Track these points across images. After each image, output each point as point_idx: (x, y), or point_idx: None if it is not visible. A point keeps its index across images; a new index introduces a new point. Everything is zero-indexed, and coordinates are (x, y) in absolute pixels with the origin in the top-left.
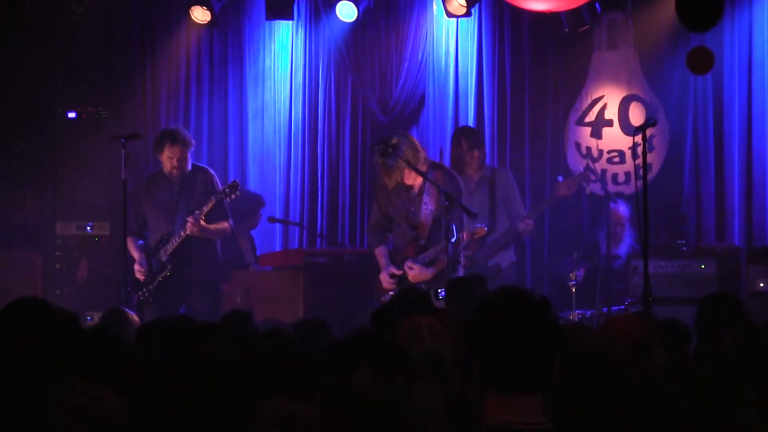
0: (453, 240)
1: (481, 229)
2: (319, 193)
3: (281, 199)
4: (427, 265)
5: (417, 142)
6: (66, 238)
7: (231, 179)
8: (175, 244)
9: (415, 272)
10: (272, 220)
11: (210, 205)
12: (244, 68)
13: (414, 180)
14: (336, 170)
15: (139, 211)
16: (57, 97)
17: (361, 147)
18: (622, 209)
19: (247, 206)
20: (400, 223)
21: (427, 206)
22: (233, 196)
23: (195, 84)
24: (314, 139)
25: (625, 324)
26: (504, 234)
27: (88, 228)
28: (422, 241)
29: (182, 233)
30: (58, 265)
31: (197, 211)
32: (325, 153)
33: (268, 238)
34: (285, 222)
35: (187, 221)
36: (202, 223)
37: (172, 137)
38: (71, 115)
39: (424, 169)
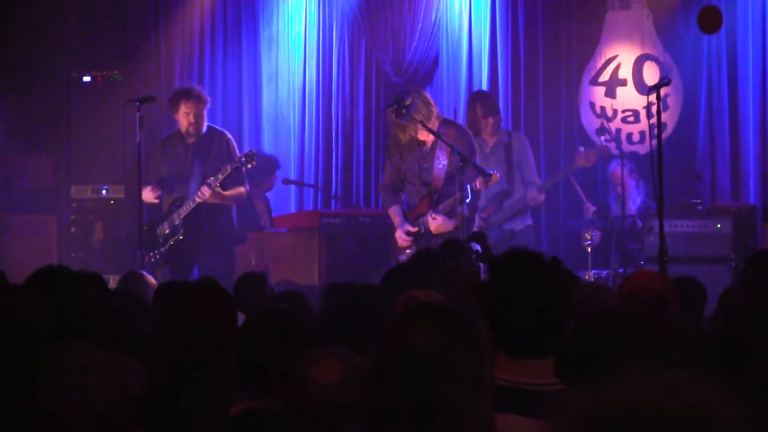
0: (468, 200)
1: (494, 175)
2: (334, 154)
3: (296, 160)
4: (447, 216)
5: (429, 98)
6: (81, 201)
7: (245, 142)
8: (189, 209)
9: (438, 222)
10: (287, 182)
11: (226, 172)
12: (258, 31)
13: (427, 136)
14: (350, 132)
15: (153, 172)
16: (72, 61)
17: (375, 109)
18: (616, 168)
19: (262, 169)
20: (413, 180)
21: (440, 161)
22: (249, 166)
23: (209, 47)
24: (328, 101)
25: (644, 279)
26: (520, 200)
27: (103, 191)
28: (435, 196)
29: (196, 198)
30: (73, 229)
31: (212, 178)
32: (339, 115)
33: (283, 199)
34: (300, 184)
35: (201, 188)
36: (217, 189)
37: (187, 93)
38: (86, 78)
39: (436, 125)
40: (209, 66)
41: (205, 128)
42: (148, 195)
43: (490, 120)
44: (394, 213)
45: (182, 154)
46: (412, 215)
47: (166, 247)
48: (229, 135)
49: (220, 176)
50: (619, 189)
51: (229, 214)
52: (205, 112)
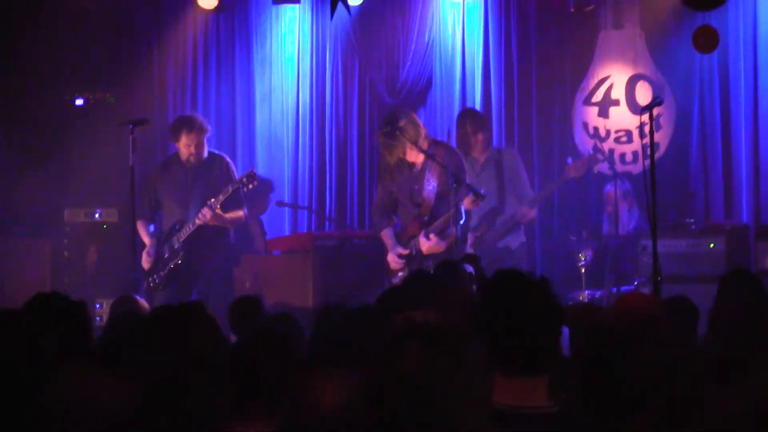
0: (462, 221)
1: (484, 196)
2: (327, 176)
3: (290, 182)
4: (440, 236)
5: (417, 119)
6: (74, 225)
7: (239, 163)
8: (189, 232)
9: (430, 243)
10: (281, 204)
11: (227, 193)
12: (251, 52)
13: (416, 157)
14: (344, 153)
15: (152, 195)
16: (64, 84)
17: (369, 130)
18: (609, 189)
19: (255, 191)
20: (405, 202)
21: (430, 182)
22: (250, 186)
23: (202, 69)
24: (322, 122)
25: (635, 300)
26: (513, 216)
27: (97, 215)
28: (426, 218)
29: (196, 221)
30: (66, 253)
31: (213, 200)
32: (333, 136)
33: (277, 222)
34: (293, 206)
35: (202, 210)
36: (218, 211)
37: (189, 124)
38: (79, 101)
39: (425, 146)
40: (202, 87)
41: (206, 154)
42: (144, 258)
43: (480, 136)
44: (386, 236)
45: (182, 178)
46: (404, 237)
47: (166, 271)
48: (228, 159)
49: (221, 197)
50: (610, 209)
51: (228, 237)
52: (205, 141)
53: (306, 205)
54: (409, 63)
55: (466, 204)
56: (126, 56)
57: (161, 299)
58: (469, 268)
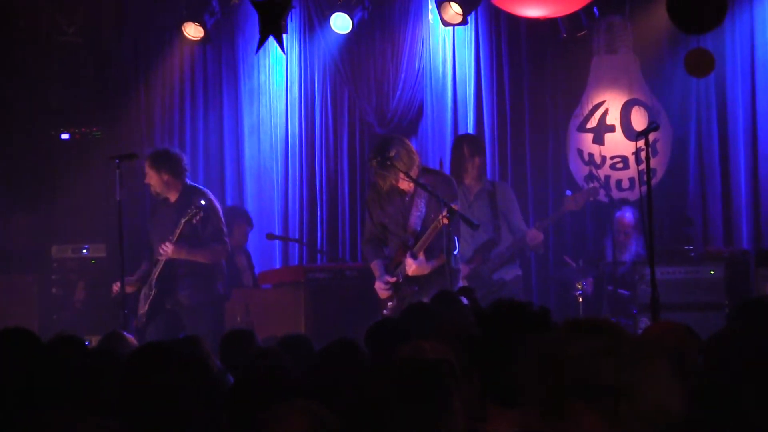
0: (456, 252)
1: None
2: (318, 208)
3: (280, 215)
4: (427, 258)
5: (411, 147)
6: (62, 261)
7: (229, 196)
8: (159, 268)
9: (415, 266)
10: (271, 237)
11: (179, 226)
12: (239, 84)
13: (408, 185)
14: (334, 185)
15: (146, 236)
16: (50, 119)
17: (360, 160)
18: (628, 216)
19: (229, 222)
20: (397, 231)
21: (418, 208)
22: (195, 219)
23: (189, 101)
24: (312, 153)
25: (658, 331)
26: (509, 248)
27: (84, 251)
28: (411, 242)
29: (158, 257)
30: (54, 289)
31: (170, 235)
32: (323, 167)
33: (267, 255)
34: (284, 239)
35: (161, 245)
36: (175, 245)
37: (147, 158)
38: (65, 136)
39: (416, 174)
40: (190, 120)
41: (179, 187)
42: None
43: (477, 160)
44: (376, 266)
45: (166, 216)
46: (392, 265)
47: (146, 308)
48: (204, 190)
49: (176, 231)
50: (622, 237)
51: (209, 271)
52: (162, 174)
53: (297, 237)
54: (399, 92)
55: (443, 220)
56: (112, 89)
57: (151, 336)
58: (464, 301)
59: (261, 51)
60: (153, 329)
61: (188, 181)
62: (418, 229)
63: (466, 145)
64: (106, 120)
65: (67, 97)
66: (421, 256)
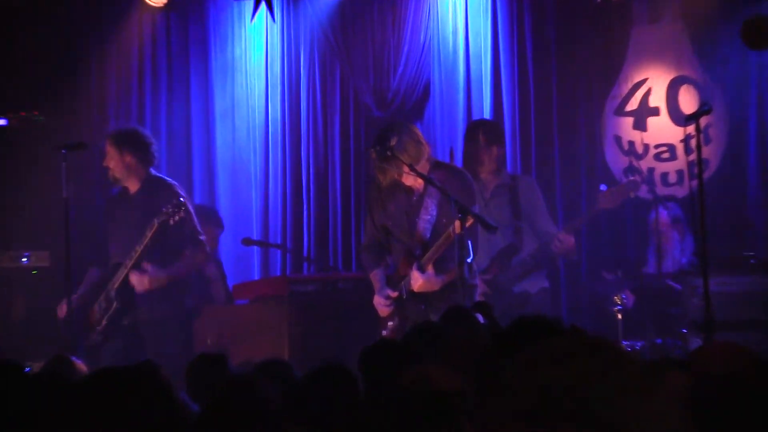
0: (470, 260)
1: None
2: (305, 207)
3: (258, 216)
4: (437, 271)
5: (420, 135)
6: None
7: (197, 194)
8: (120, 277)
9: (422, 280)
10: (248, 242)
11: (152, 228)
12: (210, 58)
13: (414, 180)
14: (324, 179)
15: (106, 239)
16: None
17: (354, 151)
18: (664, 214)
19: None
20: (401, 236)
21: (428, 211)
22: (173, 220)
23: (150, 80)
24: (297, 141)
25: (717, 354)
26: (533, 254)
27: (24, 259)
28: (417, 252)
29: (127, 263)
30: None
31: (137, 247)
32: (311, 159)
33: (243, 264)
34: (263, 244)
35: (129, 274)
36: (146, 277)
37: (110, 135)
38: (1, 121)
39: (426, 168)
40: (150, 102)
41: (142, 175)
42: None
43: (495, 150)
44: (375, 278)
45: (125, 211)
46: (395, 278)
47: (103, 324)
48: (170, 182)
49: (148, 234)
50: (659, 239)
51: (175, 282)
52: (125, 155)
53: (279, 242)
54: (401, 68)
55: (457, 227)
56: (58, 66)
57: (107, 360)
58: (480, 319)
59: (236, 19)
60: (109, 351)
61: (153, 172)
62: (428, 236)
63: (481, 132)
64: (51, 102)
65: (4, 75)
66: (430, 270)
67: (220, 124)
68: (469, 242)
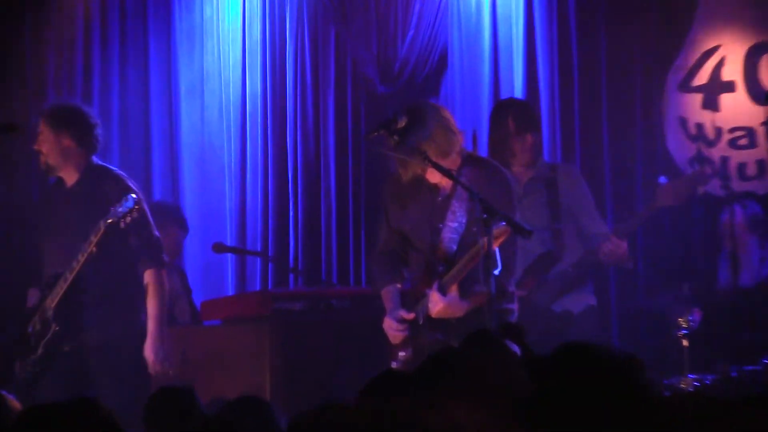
0: (497, 272)
1: (505, 228)
2: (291, 206)
3: (233, 215)
4: (462, 294)
5: (451, 120)
6: None
7: (157, 187)
8: (59, 293)
9: (442, 304)
10: (220, 248)
11: (98, 233)
12: (173, 21)
13: (441, 176)
14: (315, 171)
15: (38, 243)
16: None
17: (353, 135)
18: (739, 213)
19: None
20: (419, 246)
21: (456, 217)
22: (124, 223)
23: (99, 47)
24: (281, 125)
25: None
26: (577, 264)
27: None
28: (440, 268)
29: (67, 275)
30: None
31: (80, 255)
32: (299, 145)
33: (214, 275)
34: (239, 251)
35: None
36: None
37: (44, 113)
38: None
39: (457, 163)
40: (99, 74)
41: (84, 164)
42: None
43: (529, 138)
44: (387, 295)
45: (62, 209)
46: (411, 298)
47: (40, 351)
48: (118, 173)
49: (92, 238)
50: (732, 246)
51: (127, 297)
52: (62, 137)
53: (259, 249)
54: (412, 32)
55: (496, 238)
56: None
57: (44, 395)
58: (511, 345)
59: None
60: (49, 384)
61: (96, 160)
62: (453, 248)
63: (512, 115)
64: None
65: None
66: (454, 292)
67: (186, 102)
68: (497, 251)
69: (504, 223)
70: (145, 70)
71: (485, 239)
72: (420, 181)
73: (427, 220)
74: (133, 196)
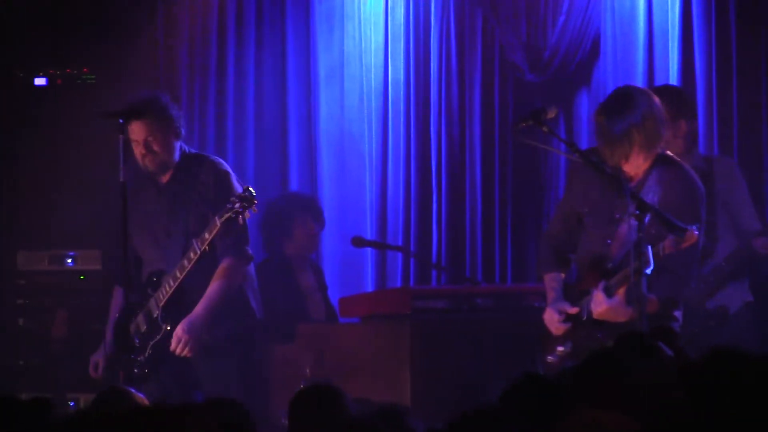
0: (648, 270)
1: (691, 234)
2: (434, 198)
3: (373, 208)
4: (628, 299)
5: (661, 108)
6: (33, 276)
7: (293, 177)
8: (169, 292)
9: (606, 305)
10: (359, 242)
11: (214, 229)
12: (312, 2)
13: (637, 169)
14: (460, 162)
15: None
16: (17, 55)
17: (500, 125)
18: None
19: (286, 216)
20: (597, 235)
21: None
22: (247, 215)
23: (233, 32)
24: (425, 112)
25: None
26: (729, 258)
27: (69, 260)
28: (610, 264)
29: (177, 274)
30: (21, 321)
31: (197, 241)
32: (443, 135)
33: (352, 271)
34: (379, 245)
35: (182, 260)
36: (185, 335)
37: (137, 109)
38: (39, 81)
39: (651, 158)
40: (233, 60)
41: (176, 156)
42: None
43: (683, 125)
44: (550, 282)
45: (153, 201)
46: (575, 291)
47: (147, 353)
48: (219, 161)
49: (206, 236)
50: None
51: (239, 295)
52: (170, 138)
53: (400, 244)
54: (563, 17)
55: (666, 247)
56: (113, 13)
57: (148, 396)
58: (665, 348)
59: None
60: (154, 384)
61: (186, 147)
62: (627, 246)
63: (666, 102)
64: (104, 57)
65: (44, 24)
66: (620, 295)
67: (325, 89)
68: (649, 248)
69: (695, 228)
70: (282, 54)
71: (663, 247)
72: (618, 170)
73: (607, 208)
74: (251, 190)
